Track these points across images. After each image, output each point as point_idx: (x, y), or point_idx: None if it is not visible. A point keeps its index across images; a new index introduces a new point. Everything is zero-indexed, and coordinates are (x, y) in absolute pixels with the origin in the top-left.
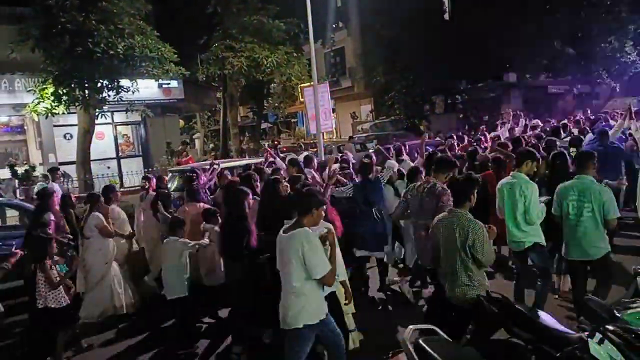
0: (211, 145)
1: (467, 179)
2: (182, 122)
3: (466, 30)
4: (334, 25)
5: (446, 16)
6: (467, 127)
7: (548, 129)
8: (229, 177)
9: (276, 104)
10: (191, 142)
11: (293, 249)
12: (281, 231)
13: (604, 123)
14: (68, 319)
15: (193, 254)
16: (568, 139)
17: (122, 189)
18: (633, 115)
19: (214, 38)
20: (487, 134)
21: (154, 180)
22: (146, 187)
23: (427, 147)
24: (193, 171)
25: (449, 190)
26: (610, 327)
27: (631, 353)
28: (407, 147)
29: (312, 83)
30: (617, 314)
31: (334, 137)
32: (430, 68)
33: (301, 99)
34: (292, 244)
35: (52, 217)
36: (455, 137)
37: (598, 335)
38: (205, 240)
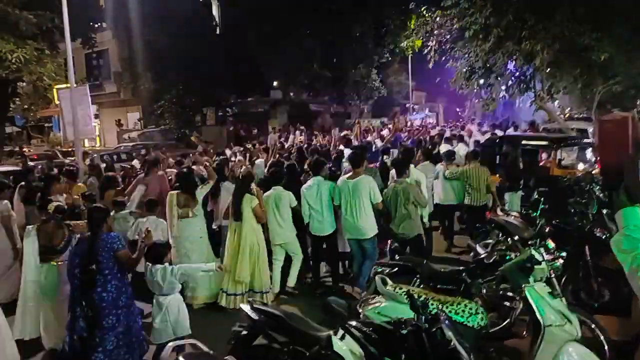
0: None
1: None
2: None
3: (237, 47)
4: (96, 25)
5: (217, 30)
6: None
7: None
8: None
9: (25, 106)
10: None
11: None
12: None
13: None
14: None
15: None
16: None
17: None
18: None
19: None
20: None
21: None
22: None
23: None
24: None
25: None
26: (352, 323)
27: (369, 344)
28: None
29: (68, 85)
30: (360, 310)
31: (98, 145)
32: (201, 79)
33: (56, 102)
34: None
35: None
36: None
37: (341, 332)
38: None
